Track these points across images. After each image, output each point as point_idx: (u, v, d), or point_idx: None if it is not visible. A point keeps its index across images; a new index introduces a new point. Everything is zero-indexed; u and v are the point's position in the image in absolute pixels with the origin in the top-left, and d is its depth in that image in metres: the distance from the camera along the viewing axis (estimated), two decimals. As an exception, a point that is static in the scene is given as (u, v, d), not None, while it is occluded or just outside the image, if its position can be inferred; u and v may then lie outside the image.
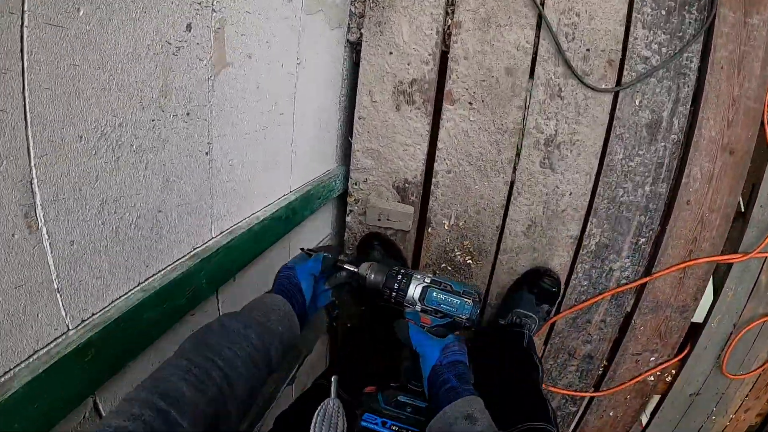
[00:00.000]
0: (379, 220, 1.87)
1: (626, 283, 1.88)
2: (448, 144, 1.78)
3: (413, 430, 1.17)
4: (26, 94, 0.67)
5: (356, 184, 1.88)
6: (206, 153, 1.12)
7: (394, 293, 1.25)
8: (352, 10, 1.75)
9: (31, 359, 0.75)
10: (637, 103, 1.69)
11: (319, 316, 1.29)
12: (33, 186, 0.71)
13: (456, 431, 0.96)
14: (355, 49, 1.86)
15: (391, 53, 1.72)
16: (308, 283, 1.18)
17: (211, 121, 1.12)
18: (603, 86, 1.67)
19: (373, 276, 1.27)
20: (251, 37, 1.21)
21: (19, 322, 0.72)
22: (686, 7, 1.61)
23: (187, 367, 0.77)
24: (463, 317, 1.22)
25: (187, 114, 1.03)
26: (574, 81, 1.67)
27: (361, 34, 1.75)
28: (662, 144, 1.72)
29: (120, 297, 0.94)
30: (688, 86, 1.67)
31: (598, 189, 1.77)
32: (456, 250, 1.89)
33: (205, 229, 1.18)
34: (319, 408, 0.97)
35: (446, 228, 1.87)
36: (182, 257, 1.11)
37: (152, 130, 0.94)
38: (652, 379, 2.05)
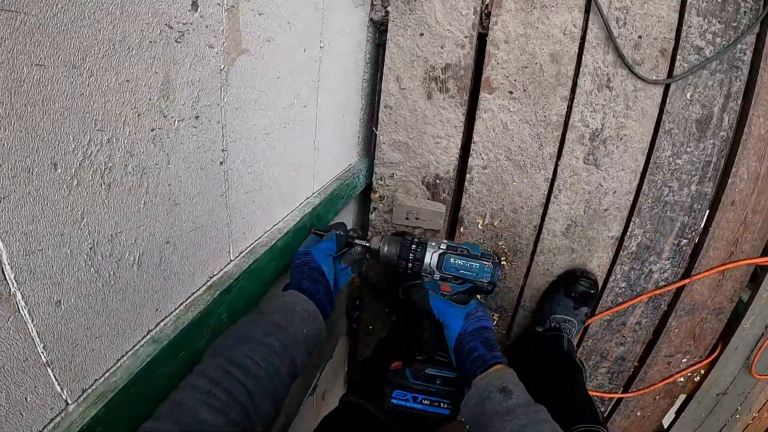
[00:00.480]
0: (407, 219, 1.61)
1: (665, 285, 1.66)
2: (484, 137, 1.51)
3: (445, 402, 1.15)
4: None
5: (381, 180, 1.62)
6: (221, 163, 0.87)
7: (410, 264, 1.14)
8: (376, -15, 1.50)
9: None
10: (688, 97, 1.43)
11: (337, 319, 1.17)
12: None
13: (491, 405, 0.89)
14: (378, 29, 1.57)
15: (422, 35, 1.44)
16: (329, 265, 1.07)
17: (226, 124, 0.85)
18: (654, 77, 1.41)
19: (386, 248, 1.16)
20: (271, 17, 0.93)
21: (2, 413, 0.51)
22: (742, -5, 1.39)
23: (207, 388, 0.69)
24: (484, 281, 1.13)
25: (196, 117, 0.77)
26: (624, 71, 1.40)
27: (386, 12, 1.46)
28: (711, 141, 1.48)
29: (126, 353, 0.71)
30: (740, 80, 1.42)
31: (643, 188, 1.53)
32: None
33: (221, 253, 0.93)
34: None
35: (480, 227, 1.62)
36: (197, 291, 0.87)
37: (152, 143, 0.68)
38: (682, 380, 1.87)
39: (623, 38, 1.38)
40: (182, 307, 0.83)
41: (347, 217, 1.74)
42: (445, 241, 1.17)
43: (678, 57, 1.40)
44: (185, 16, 0.69)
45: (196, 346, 0.83)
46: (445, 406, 1.15)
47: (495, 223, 1.60)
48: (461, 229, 1.63)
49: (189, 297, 0.85)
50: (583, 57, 1.41)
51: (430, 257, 1.13)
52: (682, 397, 1.98)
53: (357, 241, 1.16)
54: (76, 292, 0.59)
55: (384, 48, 1.48)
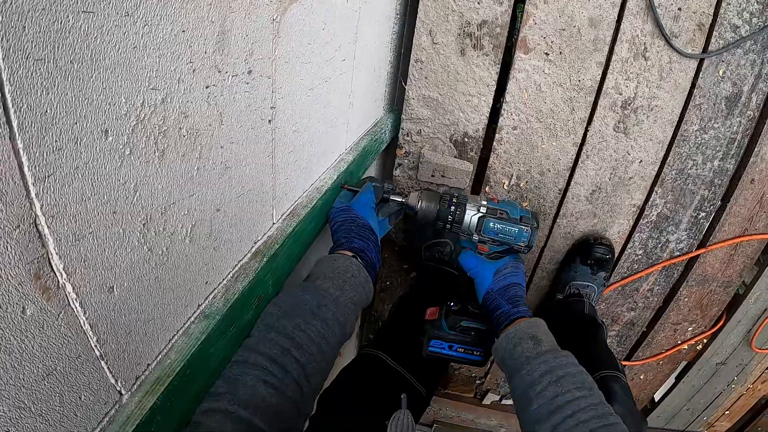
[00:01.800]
0: (432, 176, 1.56)
1: (679, 255, 1.65)
2: (516, 97, 1.44)
3: (477, 350, 1.20)
4: (3, 74, 0.33)
5: (408, 136, 1.55)
6: (269, 121, 0.79)
7: (448, 225, 1.14)
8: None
9: None
10: (720, 74, 1.38)
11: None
12: (39, 228, 0.39)
13: (521, 351, 0.94)
14: None
15: None
16: (374, 218, 1.07)
17: (276, 79, 0.77)
18: (690, 51, 1.34)
19: (425, 205, 1.14)
20: None
21: (56, 419, 0.45)
22: (781, -24, 1.26)
23: (264, 365, 0.68)
24: (522, 244, 1.14)
25: (249, 72, 0.69)
26: (661, 42, 1.33)
27: None
28: (738, 119, 1.43)
29: (178, 332, 0.66)
30: None
31: (668, 159, 1.49)
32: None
33: (266, 216, 0.87)
34: (392, 419, 0.87)
35: (505, 188, 1.57)
36: (243, 258, 0.81)
37: (207, 102, 0.60)
38: (686, 348, 1.90)
39: (663, 9, 1.31)
40: (230, 277, 0.77)
41: (371, 173, 1.65)
42: (484, 201, 1.14)
43: (714, 33, 1.33)
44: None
45: (245, 318, 0.78)
46: (478, 353, 1.19)
47: (521, 185, 1.56)
48: (486, 189, 1.58)
49: (236, 266, 0.79)
50: (622, 24, 1.33)
51: (470, 219, 1.12)
52: (683, 364, 2.02)
53: (393, 197, 1.14)
54: (129, 275, 0.52)
55: (416, 0, 1.38)
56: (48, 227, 0.40)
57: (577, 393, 0.84)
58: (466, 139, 1.51)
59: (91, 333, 0.48)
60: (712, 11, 1.32)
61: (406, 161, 1.57)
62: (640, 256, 1.67)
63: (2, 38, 0.32)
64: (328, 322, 0.79)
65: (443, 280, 1.49)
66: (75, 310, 0.45)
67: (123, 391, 0.55)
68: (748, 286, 1.76)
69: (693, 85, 1.41)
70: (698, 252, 1.63)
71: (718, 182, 1.53)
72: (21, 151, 0.35)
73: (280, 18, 0.74)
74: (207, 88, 0.59)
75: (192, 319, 0.68)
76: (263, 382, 0.66)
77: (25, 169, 0.36)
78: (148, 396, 0.57)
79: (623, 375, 1.28)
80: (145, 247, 0.54)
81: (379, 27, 1.35)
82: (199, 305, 0.70)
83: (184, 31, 0.52)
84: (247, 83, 0.69)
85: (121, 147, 0.46)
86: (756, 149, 1.47)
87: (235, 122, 0.68)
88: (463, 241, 1.17)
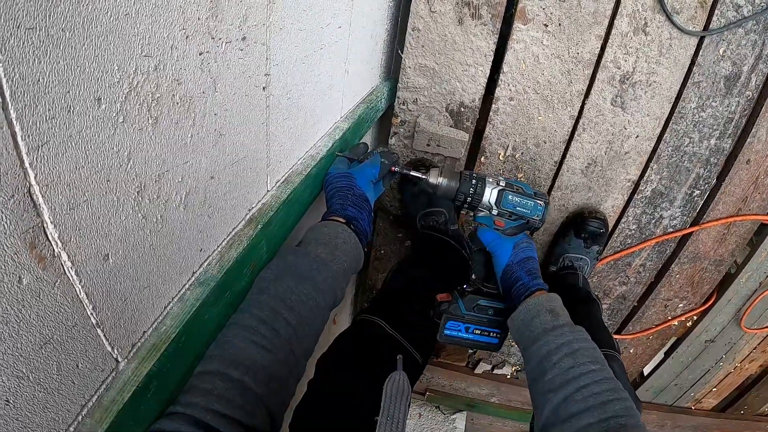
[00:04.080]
0: (428, 145, 1.56)
1: (672, 232, 1.68)
2: (514, 68, 1.43)
3: (494, 331, 1.24)
4: None
5: (404, 104, 1.54)
6: (263, 88, 0.79)
7: (469, 198, 1.18)
8: None
9: (79, 418, 0.52)
10: (720, 52, 1.37)
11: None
12: (33, 197, 0.40)
13: (539, 322, 0.98)
14: None
15: None
16: (371, 191, 1.09)
17: (270, 46, 0.77)
18: (691, 28, 1.33)
19: (445, 182, 1.18)
20: None
21: (53, 387, 0.47)
22: (789, -44, 1.23)
23: (254, 326, 0.70)
24: (536, 218, 1.20)
25: (243, 39, 0.68)
26: (661, 17, 1.32)
27: None
28: (736, 99, 1.44)
29: (173, 299, 0.67)
30: None
31: (665, 135, 1.50)
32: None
33: (260, 183, 0.88)
34: (387, 380, 0.89)
35: (500, 158, 1.58)
36: (237, 225, 0.83)
37: (200, 68, 0.60)
38: (676, 324, 1.95)
39: None
40: (224, 244, 0.78)
41: (366, 141, 1.63)
42: (503, 178, 1.19)
43: (716, 11, 1.32)
44: None
45: (240, 284, 0.79)
46: (494, 335, 1.23)
47: (516, 156, 1.57)
48: (482, 159, 1.59)
49: (230, 233, 0.80)
50: None
51: (489, 193, 1.17)
52: (673, 339, 2.07)
53: (413, 173, 1.17)
54: (124, 243, 0.53)
55: None
56: (42, 196, 0.41)
57: (591, 366, 0.87)
58: (462, 109, 1.51)
59: (87, 301, 0.49)
60: None
61: (401, 130, 1.57)
62: (633, 231, 1.70)
63: None
64: (319, 286, 0.81)
65: (439, 248, 1.51)
66: (71, 278, 0.46)
67: (119, 359, 0.57)
68: (739, 265, 1.80)
69: (692, 63, 1.41)
70: (691, 229, 1.66)
71: (714, 161, 1.55)
72: (14, 121, 0.36)
73: (276, -19, 0.72)
74: (200, 54, 0.59)
75: (187, 286, 0.70)
76: (254, 344, 0.68)
77: (19, 138, 0.37)
78: (144, 363, 0.59)
79: (619, 354, 1.33)
80: (139, 215, 0.55)
81: None
82: (194, 272, 0.71)
83: None
84: (241, 50, 0.69)
85: (114, 115, 0.47)
86: (753, 130, 1.48)
87: (229, 89, 0.68)
88: (478, 217, 1.20)
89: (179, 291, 0.68)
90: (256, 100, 0.78)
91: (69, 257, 0.46)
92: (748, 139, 1.49)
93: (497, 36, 1.40)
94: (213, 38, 0.61)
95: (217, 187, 0.72)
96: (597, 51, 1.40)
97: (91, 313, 0.50)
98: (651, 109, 1.47)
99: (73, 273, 0.47)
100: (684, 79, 1.44)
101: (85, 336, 0.50)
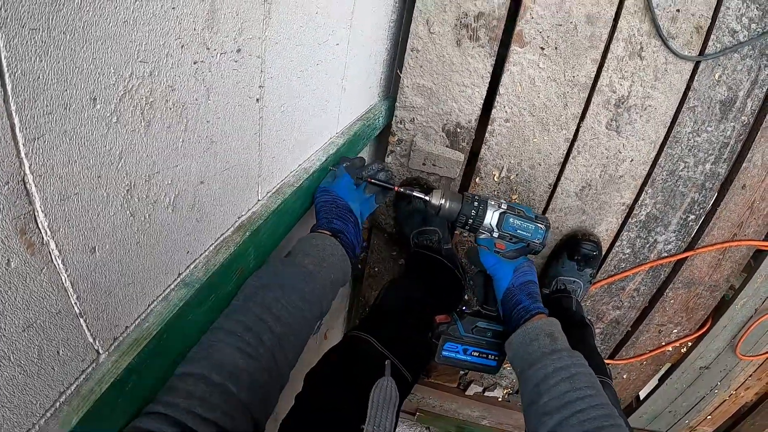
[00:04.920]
0: (424, 164, 1.59)
1: (667, 256, 1.70)
2: (510, 90, 1.47)
3: (493, 353, 1.24)
4: None
5: (401, 123, 1.58)
6: (257, 100, 0.83)
7: (471, 220, 1.19)
8: None
9: (57, 403, 0.54)
10: (716, 77, 1.41)
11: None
12: (27, 186, 0.43)
13: (537, 346, 0.99)
14: None
15: None
16: (355, 200, 1.12)
17: (265, 59, 0.81)
18: (687, 53, 1.37)
19: (448, 204, 1.19)
20: None
21: (33, 371, 0.49)
22: (782, -15, 1.29)
23: (240, 332, 0.71)
24: (537, 242, 1.20)
25: (238, 51, 0.72)
26: (657, 42, 1.37)
27: None
28: (732, 124, 1.47)
29: (158, 297, 0.70)
30: None
31: (660, 160, 1.53)
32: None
33: (251, 192, 0.92)
34: (375, 386, 0.95)
35: (495, 180, 1.61)
36: (226, 232, 0.85)
37: (194, 77, 0.63)
38: (670, 350, 1.95)
39: (661, 9, 1.34)
40: (212, 248, 0.81)
41: (363, 157, 1.66)
42: (504, 201, 1.20)
43: (712, 36, 1.37)
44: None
45: (225, 289, 0.81)
46: (492, 357, 1.24)
47: (511, 177, 1.60)
48: (477, 180, 1.62)
49: (218, 238, 0.83)
50: (619, 22, 1.37)
51: (491, 216, 1.18)
52: (667, 366, 2.07)
53: (416, 194, 1.19)
54: (111, 238, 0.56)
55: None
56: (35, 186, 0.44)
57: (588, 391, 0.88)
58: (458, 129, 1.55)
59: (71, 290, 0.52)
60: (711, 14, 1.36)
61: (398, 148, 1.61)
62: (627, 255, 1.71)
63: (0, 8, 0.35)
64: (305, 297, 0.83)
65: (432, 267, 1.54)
66: (57, 266, 0.49)
67: (100, 351, 0.59)
68: (735, 291, 1.81)
69: (688, 87, 1.45)
70: (686, 254, 1.68)
71: (709, 186, 1.57)
72: (14, 113, 0.39)
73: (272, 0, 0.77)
74: (195, 63, 0.62)
75: (172, 286, 0.72)
76: (238, 350, 0.70)
77: (17, 130, 0.40)
78: (124, 356, 0.61)
79: (611, 381, 1.35)
80: (127, 212, 0.58)
81: (377, 14, 1.39)
82: (179, 273, 0.74)
83: (174, 7, 0.55)
84: (236, 61, 0.72)
85: (108, 115, 0.50)
86: (749, 155, 1.51)
87: (222, 99, 0.71)
88: (479, 239, 1.21)
89: (164, 290, 0.71)
90: (249, 110, 0.81)
91: (57, 246, 0.48)
92: (744, 164, 1.52)
93: (494, 58, 1.45)
94: (208, 48, 0.64)
95: (206, 192, 0.75)
96: (593, 74, 1.45)
97: (75, 303, 0.53)
98: (646, 133, 1.50)
99: (59, 262, 0.49)
100: (679, 103, 1.47)
101: (68, 324, 0.52)
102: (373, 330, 1.28)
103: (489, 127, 1.54)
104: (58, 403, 0.53)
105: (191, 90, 0.64)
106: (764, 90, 1.44)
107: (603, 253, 1.69)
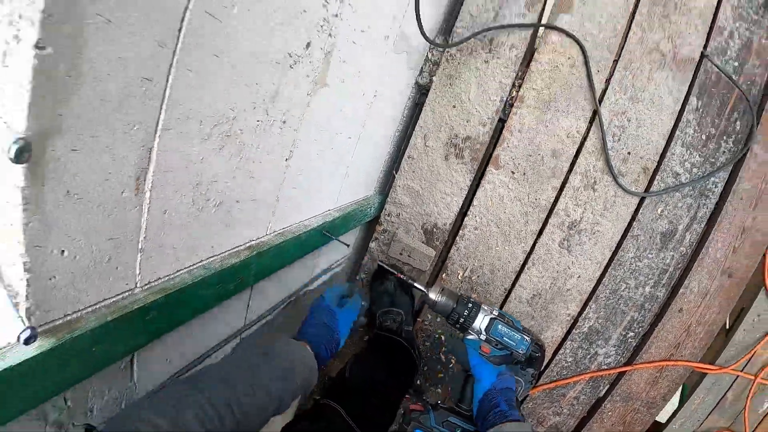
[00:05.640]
0: (401, 254, 1.87)
1: (606, 369, 1.87)
2: (482, 203, 1.80)
3: None
4: (172, 71, 0.68)
5: (389, 216, 1.89)
6: (286, 159, 1.14)
7: (462, 319, 1.28)
8: (429, 56, 1.78)
9: (98, 305, 0.76)
10: (658, 212, 1.71)
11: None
12: (151, 154, 0.72)
13: None
14: (420, 91, 1.88)
15: (454, 107, 1.75)
16: (347, 329, 1.23)
17: (299, 133, 1.14)
18: (633, 189, 1.70)
19: (444, 300, 1.31)
20: (349, 65, 1.23)
21: (100, 270, 0.73)
22: (724, 137, 1.66)
23: (205, 407, 0.75)
24: (521, 352, 1.27)
25: (284, 122, 1.05)
26: (609, 178, 1.70)
27: (431, 80, 1.78)
28: (671, 253, 1.74)
29: (185, 268, 0.94)
30: (707, 207, 1.70)
31: (604, 279, 1.78)
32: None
33: (263, 226, 1.19)
34: None
35: (459, 278, 1.87)
36: (240, 246, 1.12)
37: (255, 130, 0.96)
38: None
39: (615, 151, 1.67)
40: (227, 253, 1.06)
41: (351, 238, 1.98)
42: (497, 309, 1.30)
43: (657, 177, 1.67)
44: (301, 51, 0.98)
45: (227, 286, 1.05)
46: None
47: (473, 278, 1.85)
48: (443, 276, 1.87)
49: (234, 248, 1.09)
50: (578, 159, 1.70)
51: (482, 320, 1.27)
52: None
53: (416, 285, 1.33)
54: (176, 209, 0.83)
55: (420, 108, 1.81)
56: (156, 156, 0.75)
57: None
58: (435, 230, 1.84)
59: (144, 230, 0.80)
60: (657, 158, 1.70)
61: (382, 237, 1.91)
62: (569, 363, 1.89)
63: (177, 61, 0.69)
64: (271, 393, 0.90)
65: (391, 350, 1.72)
66: (143, 210, 0.79)
67: (138, 285, 0.85)
68: (672, 413, 1.95)
69: (633, 218, 1.74)
70: (624, 368, 1.85)
71: (648, 307, 1.81)
72: (162, 112, 0.71)
73: (313, 94, 1.13)
74: (258, 121, 0.96)
75: (196, 265, 0.98)
76: (198, 420, 0.73)
77: (160, 122, 0.71)
78: (153, 295, 0.86)
79: None
80: (190, 198, 0.87)
81: (386, 123, 1.77)
82: (201, 259, 1.00)
83: (257, 83, 0.90)
84: (281, 128, 1.06)
85: (205, 133, 0.82)
86: (686, 282, 1.75)
87: (265, 149, 1.03)
88: (466, 339, 1.30)
89: (192, 264, 0.97)
90: (279, 165, 1.13)
91: (150, 197, 0.77)
92: (681, 290, 1.76)
93: (473, 174, 1.80)
94: (267, 114, 0.98)
95: (237, 210, 1.04)
96: (552, 199, 1.77)
97: (141, 240, 0.79)
98: (593, 254, 1.78)
99: (146, 208, 0.78)
100: (624, 231, 1.76)
101: (132, 249, 0.79)
102: (340, 400, 1.39)
103: (460, 231, 1.85)
104: (99, 305, 0.76)
105: (251, 137, 0.96)
106: (702, 225, 1.72)
107: (546, 358, 1.85)
